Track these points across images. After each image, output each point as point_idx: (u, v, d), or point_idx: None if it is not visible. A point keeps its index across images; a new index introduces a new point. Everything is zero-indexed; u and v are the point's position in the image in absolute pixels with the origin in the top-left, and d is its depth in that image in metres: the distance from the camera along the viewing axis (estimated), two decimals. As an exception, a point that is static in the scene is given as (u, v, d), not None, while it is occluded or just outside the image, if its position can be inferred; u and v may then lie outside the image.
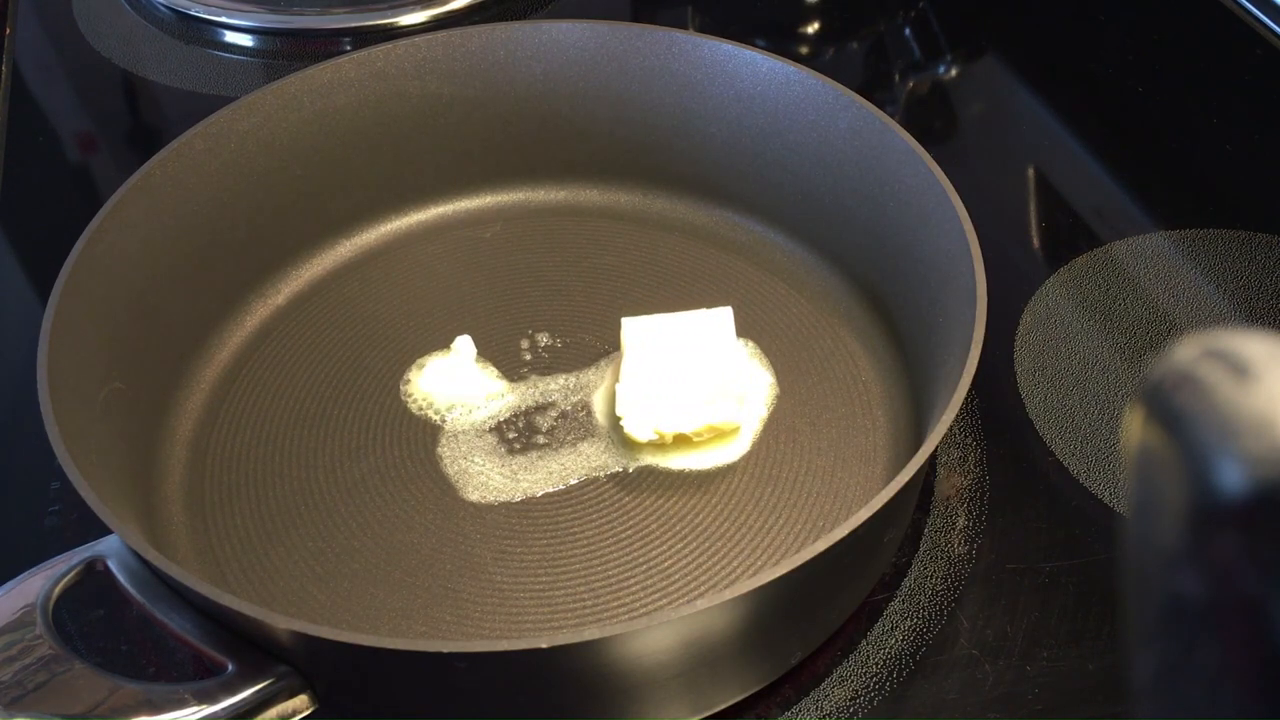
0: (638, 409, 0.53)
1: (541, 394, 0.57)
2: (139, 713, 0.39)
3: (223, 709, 0.40)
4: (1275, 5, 0.78)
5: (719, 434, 0.53)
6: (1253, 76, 0.76)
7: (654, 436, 0.53)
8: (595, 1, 0.90)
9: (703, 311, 0.57)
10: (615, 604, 0.49)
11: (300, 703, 0.42)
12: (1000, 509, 0.53)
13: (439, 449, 0.55)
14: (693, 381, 0.53)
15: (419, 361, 0.59)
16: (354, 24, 0.82)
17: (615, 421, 0.54)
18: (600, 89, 0.64)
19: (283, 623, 0.40)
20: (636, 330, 0.56)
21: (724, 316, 0.57)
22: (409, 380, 0.58)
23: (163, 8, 0.85)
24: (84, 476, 0.43)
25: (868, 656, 0.48)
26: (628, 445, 0.54)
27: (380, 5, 0.83)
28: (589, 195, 0.67)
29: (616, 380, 0.55)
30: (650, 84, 0.64)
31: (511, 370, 0.58)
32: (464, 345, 0.58)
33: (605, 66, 0.64)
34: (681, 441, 0.53)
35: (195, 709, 0.40)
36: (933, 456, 0.51)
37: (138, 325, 0.54)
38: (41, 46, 0.85)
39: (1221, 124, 0.73)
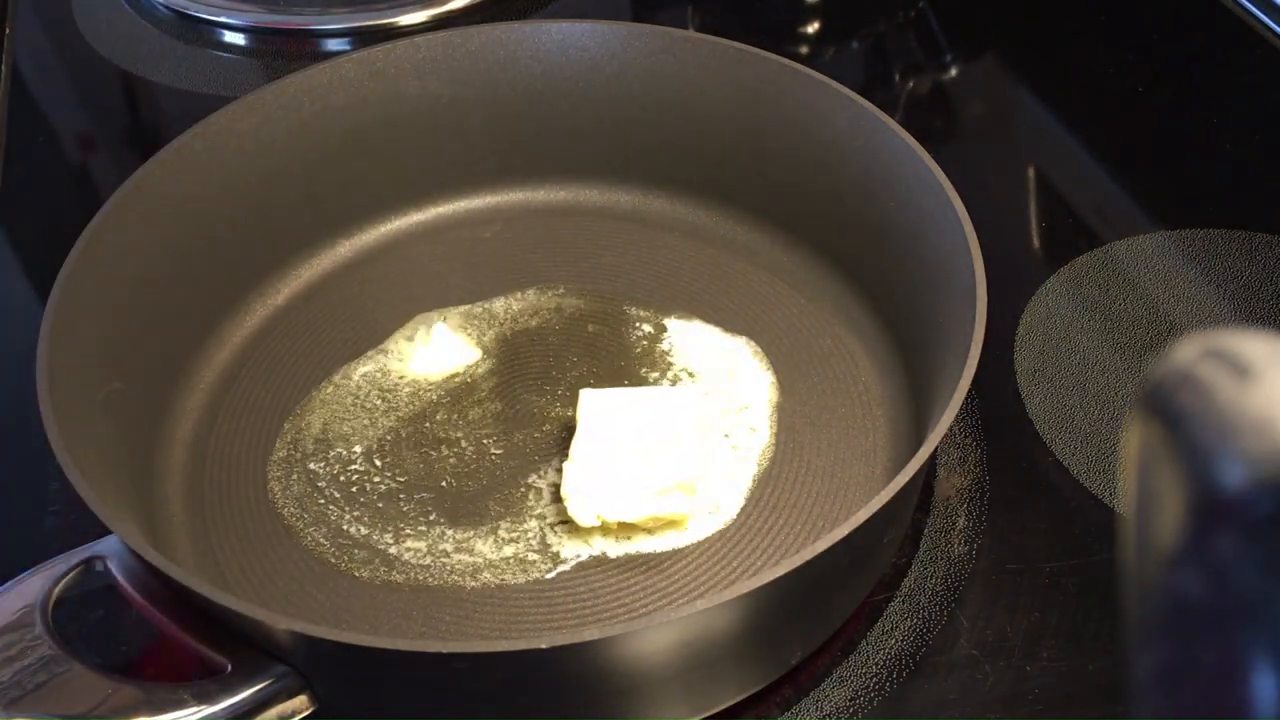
0: (583, 492, 0.50)
1: (540, 395, 0.57)
2: (138, 713, 0.39)
3: (222, 709, 0.40)
4: (1275, 5, 0.78)
5: (668, 523, 0.51)
6: (1253, 76, 0.76)
7: (597, 522, 0.50)
8: (595, 1, 0.90)
9: (667, 390, 0.55)
10: (615, 604, 0.49)
11: (300, 703, 0.42)
12: (1000, 509, 0.53)
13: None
14: (645, 468, 0.50)
15: (401, 349, 0.59)
16: (354, 24, 0.82)
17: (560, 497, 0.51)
18: (600, 89, 0.64)
19: (283, 623, 0.40)
20: (594, 404, 0.53)
21: (688, 397, 0.53)
22: (403, 376, 0.58)
23: (162, 8, 0.85)
24: (84, 476, 0.43)
25: (868, 657, 0.48)
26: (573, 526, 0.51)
27: (380, 5, 0.83)
28: (589, 195, 0.67)
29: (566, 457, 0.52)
30: (650, 84, 0.64)
31: (511, 371, 0.58)
32: (439, 330, 0.59)
33: (605, 66, 0.64)
34: (626, 528, 0.51)
35: (194, 709, 0.40)
36: (933, 456, 0.51)
37: (137, 325, 0.54)
38: (41, 46, 0.85)
39: (1221, 124, 0.73)
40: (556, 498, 0.52)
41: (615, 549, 0.51)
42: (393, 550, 0.51)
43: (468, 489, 0.53)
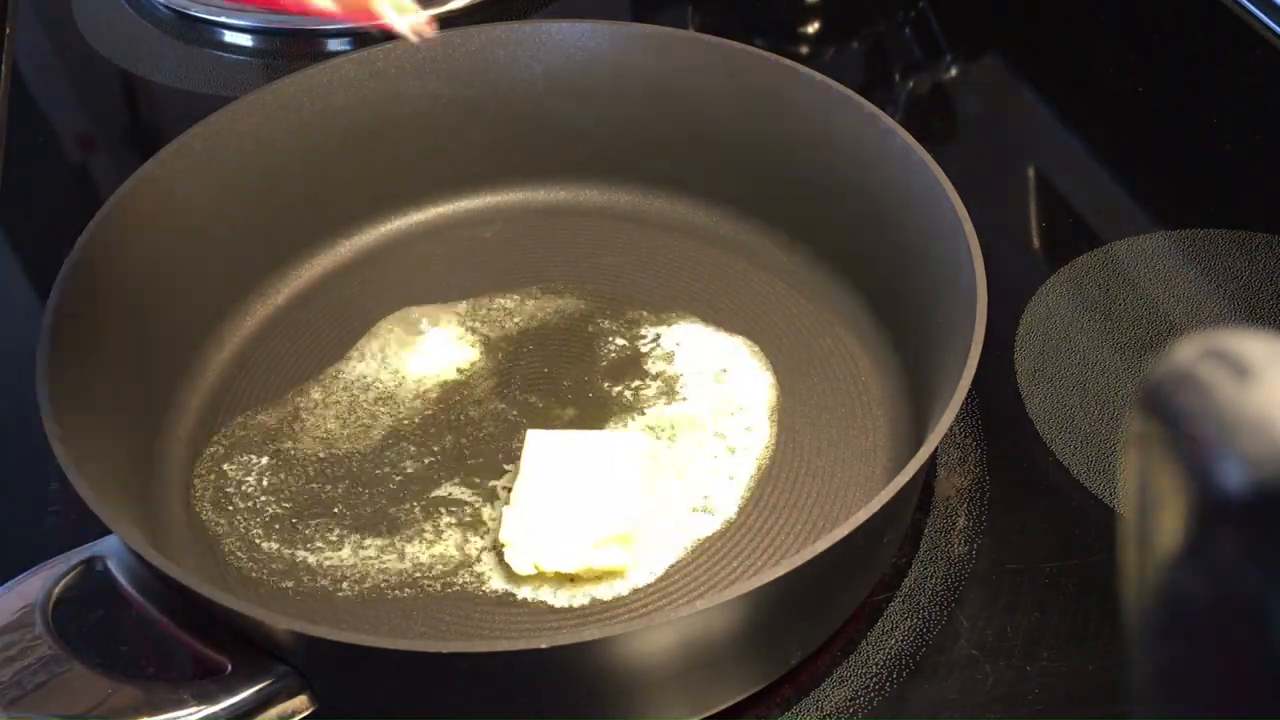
0: (523, 538, 0.49)
1: (539, 396, 0.57)
2: (138, 713, 0.39)
3: (222, 709, 0.40)
4: (1275, 5, 0.78)
5: (605, 575, 0.50)
6: (1253, 76, 0.76)
7: (534, 571, 0.49)
8: (595, 1, 0.90)
9: (615, 434, 0.54)
10: (615, 604, 0.49)
11: (300, 703, 0.42)
12: (1000, 509, 0.53)
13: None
14: (584, 518, 0.49)
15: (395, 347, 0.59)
16: (354, 24, 0.82)
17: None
18: (600, 89, 0.64)
19: (283, 623, 0.40)
20: (540, 446, 0.52)
21: (636, 444, 0.53)
22: (400, 375, 0.58)
23: (163, 8, 0.85)
24: (84, 476, 0.43)
25: (868, 657, 0.48)
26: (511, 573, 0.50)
27: (380, 5, 0.83)
28: (589, 195, 0.67)
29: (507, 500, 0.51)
30: (650, 84, 0.64)
31: (510, 372, 0.58)
32: (438, 330, 0.59)
33: (605, 66, 0.64)
34: (563, 577, 0.49)
35: (194, 709, 0.40)
36: (933, 456, 0.51)
37: (138, 325, 0.54)
38: (41, 46, 0.85)
39: (1221, 124, 0.73)
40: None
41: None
42: (363, 555, 0.51)
43: (466, 489, 0.53)
